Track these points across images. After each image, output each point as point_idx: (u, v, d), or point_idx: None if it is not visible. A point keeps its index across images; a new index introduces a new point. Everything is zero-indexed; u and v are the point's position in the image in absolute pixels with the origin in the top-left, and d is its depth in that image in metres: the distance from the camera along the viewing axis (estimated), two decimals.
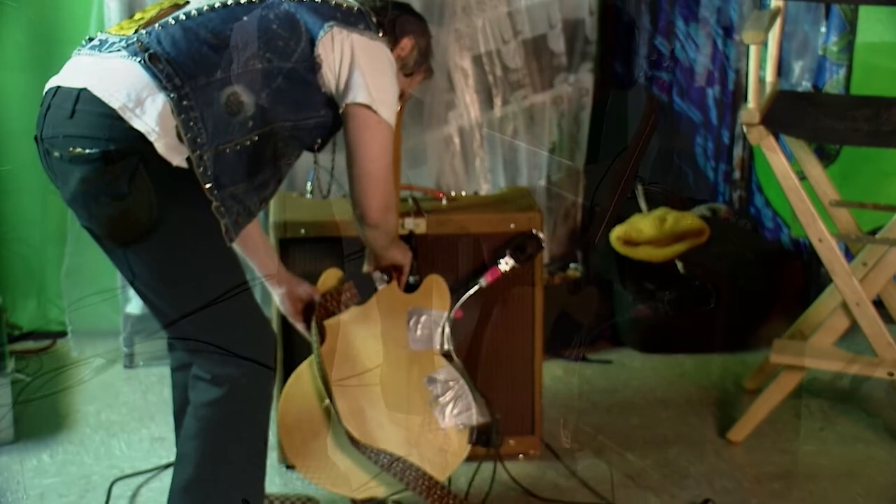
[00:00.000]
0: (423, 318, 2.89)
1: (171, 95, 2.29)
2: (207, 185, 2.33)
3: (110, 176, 2.28)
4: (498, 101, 3.93)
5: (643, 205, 4.12)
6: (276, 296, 2.87)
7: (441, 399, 2.86)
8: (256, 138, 2.40)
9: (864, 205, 3.55)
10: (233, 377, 2.46)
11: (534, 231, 3.09)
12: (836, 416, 3.50)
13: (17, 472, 3.20)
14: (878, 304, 3.33)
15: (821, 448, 3.34)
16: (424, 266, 3.01)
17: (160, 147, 2.28)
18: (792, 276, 4.14)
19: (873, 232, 3.47)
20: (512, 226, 3.11)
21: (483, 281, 3.02)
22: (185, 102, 2.30)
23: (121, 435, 3.41)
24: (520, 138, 3.96)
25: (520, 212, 3.16)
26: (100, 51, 2.39)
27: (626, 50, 4.39)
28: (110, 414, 3.54)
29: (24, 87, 3.74)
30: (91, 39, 2.46)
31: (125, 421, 3.49)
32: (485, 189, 3.89)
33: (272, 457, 3.10)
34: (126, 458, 3.28)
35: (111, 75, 2.32)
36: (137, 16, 2.47)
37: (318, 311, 2.79)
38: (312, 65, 2.45)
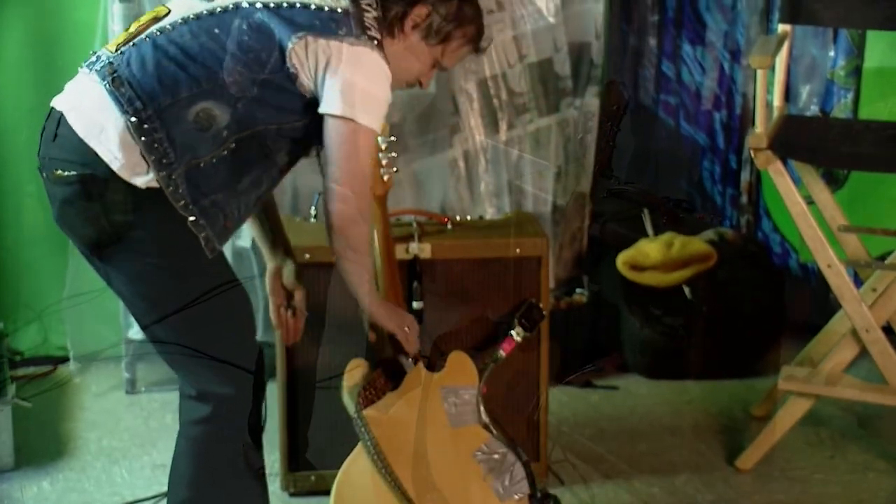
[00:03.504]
0: (456, 396, 2.86)
1: (132, 119, 2.29)
2: (181, 203, 2.32)
3: (85, 198, 2.31)
4: (503, 126, 3.91)
5: (650, 230, 4.09)
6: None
7: (494, 472, 2.81)
8: (233, 145, 2.36)
9: (873, 230, 3.53)
10: (219, 395, 2.43)
11: (533, 300, 3.08)
12: (846, 444, 3.47)
13: (18, 500, 3.19)
14: (888, 330, 3.30)
15: (830, 477, 3.31)
16: (429, 291, 2.99)
17: (123, 172, 2.29)
18: (800, 302, 4.11)
19: (882, 257, 3.45)
20: (517, 251, 3.09)
21: (502, 353, 2.99)
22: (146, 125, 2.29)
23: (122, 462, 3.39)
24: (525, 162, 3.94)
25: (525, 237, 3.14)
26: (90, 70, 2.40)
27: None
28: (112, 440, 3.52)
29: (23, 88, 3.76)
30: (93, 54, 2.47)
31: (127, 447, 3.47)
32: (490, 214, 3.87)
33: (275, 483, 3.09)
34: (128, 486, 3.26)
35: (82, 100, 2.36)
36: (132, 27, 2.46)
37: (358, 402, 2.75)
38: (288, 74, 2.39)
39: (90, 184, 2.30)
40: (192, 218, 2.33)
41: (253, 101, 2.36)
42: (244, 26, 2.38)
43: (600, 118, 4.06)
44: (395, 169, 2.94)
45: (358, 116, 2.39)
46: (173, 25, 2.39)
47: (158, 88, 2.32)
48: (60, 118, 2.34)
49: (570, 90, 3.97)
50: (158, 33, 2.38)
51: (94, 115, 2.32)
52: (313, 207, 3.23)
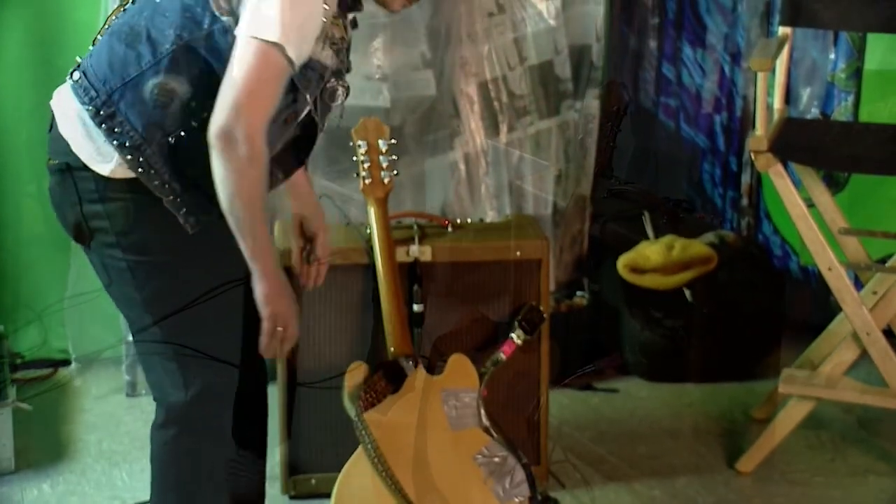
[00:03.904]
0: (457, 399, 2.86)
1: (88, 108, 2.29)
2: (155, 183, 2.28)
3: (63, 186, 2.34)
4: (504, 128, 3.91)
5: (650, 232, 4.09)
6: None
7: (495, 475, 2.82)
8: (206, 114, 2.21)
9: (874, 233, 3.53)
10: (174, 404, 2.38)
11: (534, 303, 3.08)
12: (847, 447, 3.47)
13: (18, 503, 3.17)
14: (889, 333, 3.29)
15: (831, 479, 3.30)
16: (430, 294, 2.99)
17: (91, 161, 2.29)
18: (801, 304, 4.11)
19: (883, 260, 3.45)
20: (518, 253, 3.09)
21: (502, 355, 3.01)
22: (102, 112, 2.28)
23: (122, 465, 3.38)
24: (525, 165, 3.94)
25: (526, 239, 3.14)
26: None
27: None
28: (112, 443, 3.51)
29: (23, 88, 3.75)
30: None
31: (127, 450, 3.46)
32: (490, 216, 3.87)
33: (275, 487, 3.09)
34: (128, 489, 3.26)
35: (59, 96, 2.39)
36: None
37: (358, 404, 2.76)
38: (224, 25, 2.23)
39: (66, 173, 2.32)
40: (169, 197, 2.28)
41: (207, 63, 2.25)
42: None
43: (600, 119, 4.06)
44: (395, 172, 2.94)
45: (263, 33, 2.16)
46: (127, 8, 2.37)
47: (109, 73, 2.29)
48: (53, 112, 2.39)
49: (571, 93, 3.97)
50: (115, 19, 2.38)
51: (64, 108, 2.35)
52: None
